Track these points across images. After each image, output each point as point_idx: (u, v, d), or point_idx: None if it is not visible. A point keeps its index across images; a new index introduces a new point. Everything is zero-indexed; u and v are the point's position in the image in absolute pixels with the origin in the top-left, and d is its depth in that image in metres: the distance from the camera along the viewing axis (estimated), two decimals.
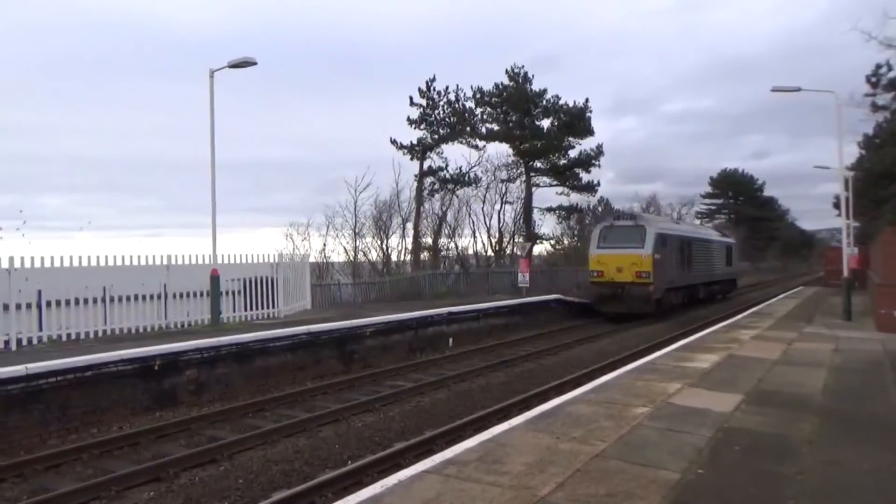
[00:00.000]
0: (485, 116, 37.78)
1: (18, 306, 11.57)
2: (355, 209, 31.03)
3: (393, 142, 34.78)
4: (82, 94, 78.75)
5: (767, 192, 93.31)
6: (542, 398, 10.30)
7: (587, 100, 37.83)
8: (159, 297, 14.25)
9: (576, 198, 41.17)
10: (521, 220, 38.24)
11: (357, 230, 31.19)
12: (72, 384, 9.40)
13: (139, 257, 14.06)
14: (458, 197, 35.69)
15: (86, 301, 12.71)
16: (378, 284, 25.42)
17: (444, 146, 35.76)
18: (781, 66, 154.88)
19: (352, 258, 30.67)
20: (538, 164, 38.52)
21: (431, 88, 35.35)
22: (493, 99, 37.37)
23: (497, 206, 37.50)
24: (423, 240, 34.57)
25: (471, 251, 36.90)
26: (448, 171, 35.52)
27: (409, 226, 33.54)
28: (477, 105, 37.20)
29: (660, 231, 24.94)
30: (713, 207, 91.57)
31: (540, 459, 5.58)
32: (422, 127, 35.33)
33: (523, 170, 38.14)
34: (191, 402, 10.93)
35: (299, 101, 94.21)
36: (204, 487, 7.08)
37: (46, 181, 70.50)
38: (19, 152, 69.39)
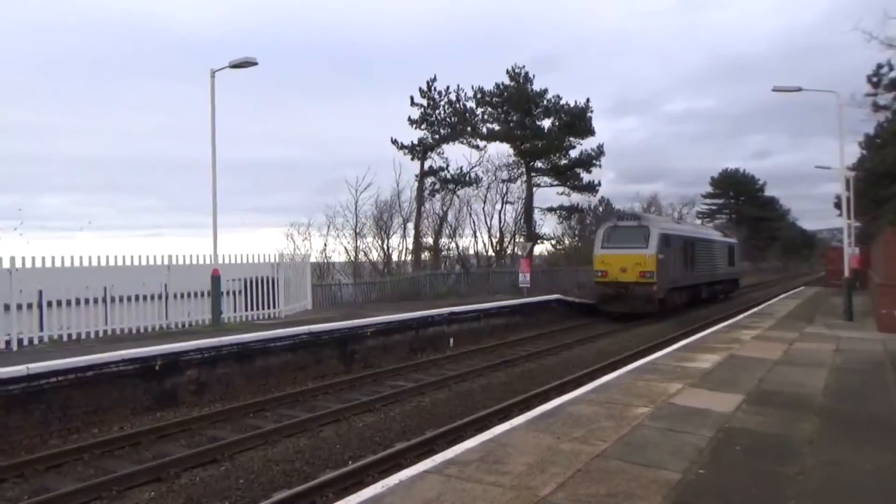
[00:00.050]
0: (485, 116, 37.77)
1: (19, 306, 11.57)
2: (356, 209, 31.06)
3: (394, 142, 34.79)
4: (82, 94, 78.89)
5: (768, 192, 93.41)
6: (542, 398, 10.30)
7: (588, 100, 37.80)
8: (160, 297, 14.26)
9: (576, 198, 41.18)
10: (522, 220, 38.23)
11: (358, 230, 31.22)
12: (73, 384, 9.41)
13: (140, 257, 14.09)
14: (458, 197, 35.71)
15: (87, 301, 12.72)
16: (379, 284, 25.42)
17: (444, 146, 35.76)
18: (782, 66, 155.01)
19: (352, 258, 30.67)
20: (539, 164, 38.49)
21: (432, 88, 35.34)
22: (494, 99, 37.35)
23: (498, 206, 37.53)
24: (424, 240, 34.57)
25: (471, 251, 36.92)
26: (449, 171, 35.52)
27: (410, 226, 33.56)
28: (478, 105, 37.20)
29: (663, 231, 25.15)
30: (714, 207, 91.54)
31: (541, 459, 5.58)
32: (422, 127, 35.32)
33: (524, 170, 38.12)
34: (192, 402, 10.94)
35: (299, 101, 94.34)
36: (205, 487, 7.08)
37: (46, 181, 70.66)
38: (19, 152, 69.57)
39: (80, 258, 12.83)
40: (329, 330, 13.99)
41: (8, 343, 11.33)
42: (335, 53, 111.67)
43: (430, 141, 35.29)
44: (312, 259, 25.19)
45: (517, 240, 37.17)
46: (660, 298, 23.94)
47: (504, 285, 29.07)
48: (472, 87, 37.63)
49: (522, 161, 37.80)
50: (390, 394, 11.51)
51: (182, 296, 14.61)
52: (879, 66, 26.11)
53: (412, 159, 35.42)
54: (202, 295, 14.90)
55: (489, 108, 37.71)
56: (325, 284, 23.15)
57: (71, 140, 73.08)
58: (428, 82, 35.29)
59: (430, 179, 35.44)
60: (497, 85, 37.35)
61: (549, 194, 41.06)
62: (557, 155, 38.20)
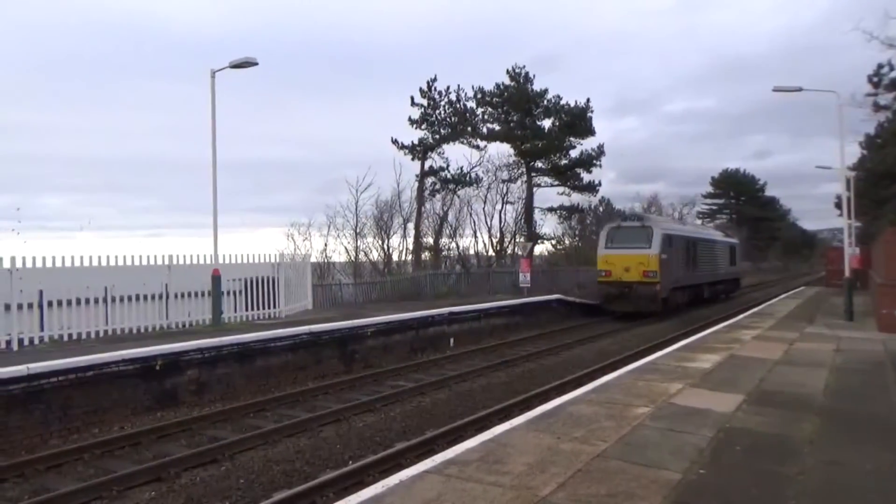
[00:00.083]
0: (486, 116, 37.76)
1: (20, 306, 11.57)
2: (356, 209, 31.04)
3: (394, 142, 34.79)
4: (82, 94, 78.86)
5: (769, 192, 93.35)
6: (543, 398, 10.31)
7: (588, 100, 37.77)
8: (161, 297, 14.26)
9: (577, 198, 41.16)
10: (522, 220, 38.22)
11: (358, 230, 31.21)
12: (73, 384, 9.41)
13: (140, 257, 14.09)
14: (459, 197, 35.70)
15: (87, 301, 12.72)
16: (379, 284, 25.41)
17: (445, 146, 35.74)
18: (782, 66, 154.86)
19: (353, 258, 30.66)
20: (539, 164, 38.48)
21: (432, 88, 35.33)
22: (494, 99, 37.35)
23: (498, 206, 37.53)
24: (425, 240, 34.56)
25: (472, 251, 36.92)
26: (449, 172, 35.51)
27: (411, 226, 33.54)
28: (478, 105, 37.19)
29: (666, 232, 25.45)
30: (714, 207, 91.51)
31: (541, 459, 5.58)
32: (423, 127, 35.30)
33: (524, 170, 38.11)
34: (192, 402, 10.94)
35: (299, 101, 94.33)
36: (205, 487, 7.09)
37: (47, 181, 70.68)
38: (19, 152, 69.58)
39: (81, 258, 12.85)
40: (329, 330, 13.99)
41: (8, 343, 11.33)
42: (335, 53, 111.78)
43: (431, 141, 35.28)
44: (313, 259, 25.21)
45: (517, 240, 37.17)
46: (663, 298, 24.23)
47: (504, 285, 29.07)
48: (473, 87, 37.72)
49: (523, 161, 37.80)
50: (390, 394, 11.51)
51: (182, 296, 14.61)
52: (880, 66, 26.12)
53: (412, 159, 35.44)
54: (203, 295, 14.90)
55: (489, 109, 37.71)
56: (325, 284, 23.14)
57: (71, 140, 73.19)
58: (428, 82, 35.30)
59: (430, 179, 35.44)
60: (497, 85, 37.38)
61: (550, 194, 41.12)
62: (558, 155, 38.19)
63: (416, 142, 35.12)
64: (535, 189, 38.82)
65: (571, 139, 38.03)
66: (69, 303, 12.39)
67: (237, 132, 76.00)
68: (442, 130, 35.55)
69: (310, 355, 13.40)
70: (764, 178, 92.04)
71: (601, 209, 46.58)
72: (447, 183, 35.51)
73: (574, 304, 25.58)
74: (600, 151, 38.29)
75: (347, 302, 22.48)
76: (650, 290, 23.89)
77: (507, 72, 37.42)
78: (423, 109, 35.17)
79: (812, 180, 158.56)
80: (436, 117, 35.43)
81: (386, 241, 32.22)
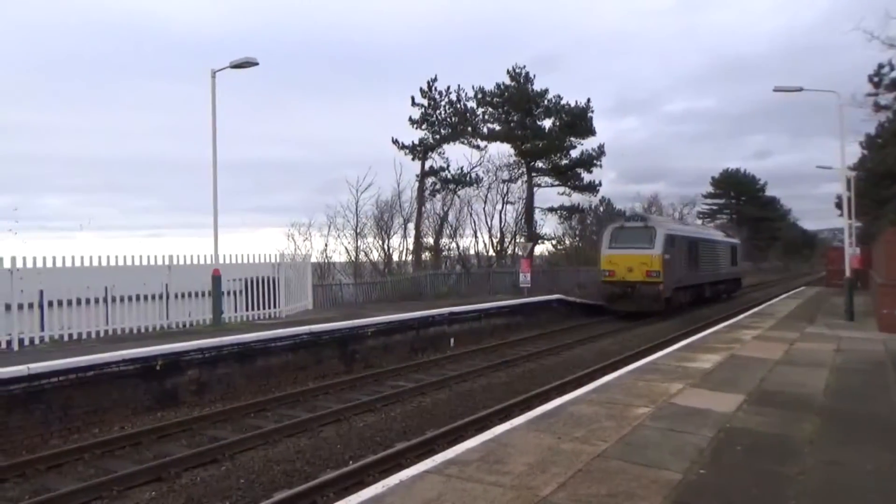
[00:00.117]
0: (486, 116, 37.76)
1: (20, 306, 11.58)
2: (357, 209, 31.04)
3: (394, 142, 34.79)
4: (82, 94, 78.85)
5: (769, 193, 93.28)
6: (543, 398, 10.31)
7: (588, 100, 37.78)
8: (161, 297, 14.27)
9: (577, 198, 41.17)
10: (523, 220, 38.22)
11: (359, 230, 31.21)
12: (73, 384, 9.41)
13: (141, 257, 14.09)
14: (459, 197, 35.71)
15: (87, 301, 12.73)
16: (379, 284, 25.42)
17: (445, 146, 35.74)
18: (782, 66, 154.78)
19: (353, 258, 30.67)
20: (540, 164, 38.48)
21: (433, 88, 35.33)
22: (495, 99, 37.35)
23: (498, 207, 37.54)
24: (425, 240, 34.56)
25: (472, 251, 36.93)
26: (449, 172, 35.51)
27: (411, 226, 33.55)
28: (478, 105, 37.19)
29: (669, 232, 25.67)
30: (715, 207, 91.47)
31: (541, 459, 5.58)
32: (423, 127, 35.31)
33: (525, 170, 38.10)
34: (192, 402, 10.94)
35: (299, 101, 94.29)
36: (205, 487, 7.09)
37: (47, 181, 70.71)
38: (19, 152, 69.61)
39: (81, 258, 12.86)
40: (330, 330, 13.99)
41: (9, 343, 11.34)
42: (335, 53, 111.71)
43: (431, 141, 35.28)
44: (313, 259, 25.23)
45: (518, 240, 37.17)
46: (666, 297, 24.45)
47: (505, 285, 29.08)
48: (473, 88, 37.73)
49: (523, 161, 37.80)
50: (391, 394, 11.51)
51: (183, 296, 14.62)
52: (881, 66, 26.10)
53: (413, 159, 35.44)
54: (203, 295, 14.91)
55: (490, 109, 37.71)
56: (325, 284, 23.15)
57: (71, 140, 73.19)
58: (429, 82, 35.31)
59: (430, 179, 35.45)
60: (498, 85, 37.39)
61: (550, 194, 41.12)
62: (558, 155, 38.20)
63: (416, 142, 35.14)
64: (535, 189, 38.83)
65: (572, 139, 38.03)
66: (69, 303, 12.40)
67: (237, 132, 76.08)
68: (442, 130, 35.55)
69: (310, 355, 13.40)
70: (764, 178, 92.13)
71: (601, 209, 46.63)
72: (447, 183, 35.52)
73: (574, 304, 25.61)
74: (601, 151, 38.30)
75: (348, 302, 22.49)
76: (653, 289, 24.13)
77: (508, 72, 37.46)
78: (423, 109, 35.18)
79: (812, 180, 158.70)
80: (436, 117, 35.44)
81: (386, 242, 32.26)
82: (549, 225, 42.32)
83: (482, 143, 36.87)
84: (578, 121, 37.44)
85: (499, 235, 37.77)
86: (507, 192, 37.61)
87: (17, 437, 8.63)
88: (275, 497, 6.53)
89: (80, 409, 9.46)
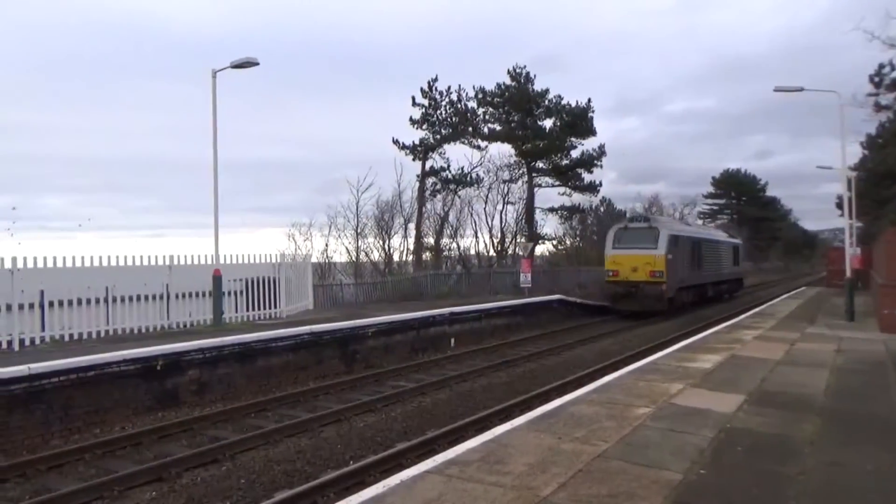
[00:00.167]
0: (487, 117, 37.76)
1: (21, 306, 11.58)
2: (357, 209, 31.03)
3: (395, 142, 34.80)
4: (82, 94, 78.79)
5: (770, 193, 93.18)
6: (544, 398, 10.31)
7: (589, 100, 37.78)
8: (162, 297, 14.27)
9: (578, 198, 41.17)
10: (523, 221, 38.20)
11: (359, 230, 31.20)
12: (74, 384, 9.42)
13: (141, 257, 14.09)
14: (460, 197, 35.69)
15: (88, 301, 12.73)
16: (380, 284, 25.42)
17: (446, 146, 35.74)
18: (782, 66, 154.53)
19: (354, 258, 30.65)
20: (540, 164, 38.48)
21: (433, 89, 35.33)
22: (496, 99, 37.35)
23: (499, 207, 37.51)
24: (426, 240, 34.54)
25: (473, 251, 36.90)
26: (450, 172, 35.51)
27: (412, 226, 33.52)
28: (479, 105, 37.19)
29: (672, 233, 25.99)
30: (715, 208, 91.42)
31: (542, 460, 5.58)
32: (424, 127, 35.31)
33: (525, 170, 38.10)
34: (193, 402, 10.95)
35: (299, 101, 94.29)
36: (206, 487, 7.09)
37: (47, 181, 70.71)
38: (19, 152, 69.60)
39: (82, 258, 12.86)
40: (330, 330, 14.00)
41: (10, 343, 11.34)
42: (335, 53, 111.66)
43: (432, 141, 35.29)
44: (314, 259, 25.24)
45: (518, 240, 37.16)
46: (669, 297, 24.71)
47: (505, 285, 29.08)
48: (474, 88, 37.73)
49: (524, 161, 37.79)
50: (391, 394, 11.52)
51: (183, 296, 14.62)
52: (881, 66, 26.09)
53: (413, 159, 35.44)
54: (204, 295, 14.91)
55: (490, 109, 37.71)
56: (326, 284, 23.16)
57: (71, 140, 73.17)
58: (429, 82, 35.31)
59: (431, 180, 35.45)
60: (498, 85, 37.40)
61: (551, 194, 41.12)
62: (559, 155, 38.20)
63: (417, 142, 35.15)
64: (535, 189, 38.83)
65: (572, 139, 38.04)
66: (70, 303, 12.40)
67: (238, 132, 76.14)
68: (443, 130, 35.56)
69: (311, 355, 13.41)
70: (765, 179, 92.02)
71: (602, 209, 46.63)
72: (448, 183, 35.52)
73: (575, 304, 25.65)
74: (601, 151, 38.30)
75: (348, 302, 22.49)
76: (657, 289, 24.40)
77: (508, 72, 37.46)
78: (424, 109, 35.19)
79: (813, 180, 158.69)
80: (437, 117, 35.44)
81: (387, 242, 32.24)
82: (549, 225, 42.37)
83: (483, 144, 36.90)
84: (579, 121, 37.44)
85: (499, 235, 37.78)
86: (508, 193, 37.65)
87: (18, 437, 8.63)
88: (275, 497, 6.54)
89: (81, 409, 9.47)
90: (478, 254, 37.20)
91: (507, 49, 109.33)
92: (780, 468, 5.49)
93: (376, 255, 32.05)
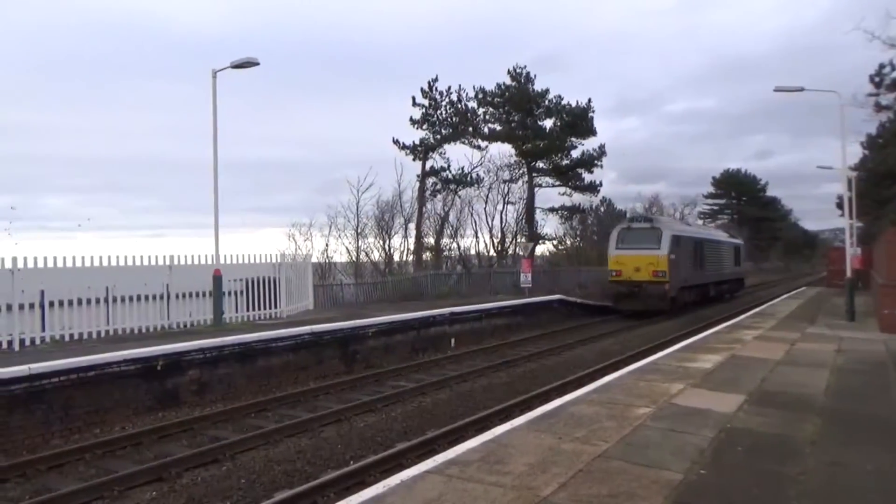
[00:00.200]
0: (487, 117, 37.77)
1: (21, 306, 11.59)
2: (357, 209, 31.02)
3: (395, 142, 34.80)
4: (82, 94, 78.83)
5: (770, 193, 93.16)
6: (544, 398, 10.31)
7: (589, 100, 37.80)
8: (162, 297, 14.27)
9: (578, 198, 41.19)
10: (524, 221, 38.20)
11: (359, 230, 31.19)
12: (74, 384, 9.42)
13: (142, 257, 14.09)
14: (460, 197, 35.69)
15: (88, 301, 12.73)
16: (380, 284, 25.42)
17: (446, 146, 35.74)
18: (783, 66, 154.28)
19: (354, 258, 30.65)
20: (540, 164, 38.48)
21: (434, 89, 35.33)
22: (496, 99, 37.35)
23: (499, 207, 37.51)
24: (426, 240, 34.54)
25: (473, 251, 36.90)
26: (450, 172, 35.51)
27: (412, 226, 33.52)
28: (479, 105, 37.20)
29: (675, 233, 26.26)
30: (716, 208, 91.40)
31: (542, 460, 5.58)
32: (424, 127, 35.32)
33: (525, 170, 38.10)
34: (193, 402, 10.95)
35: (299, 101, 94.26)
36: (206, 487, 7.09)
37: (47, 181, 70.77)
38: (19, 152, 69.64)
39: (83, 258, 12.86)
40: (331, 330, 14.00)
41: (10, 343, 11.35)
42: (335, 53, 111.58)
43: (432, 141, 35.29)
44: (314, 259, 25.24)
45: (519, 240, 37.16)
46: (671, 297, 24.94)
47: (505, 285, 29.08)
48: (474, 88, 37.73)
49: (524, 161, 37.80)
50: (392, 394, 11.52)
51: (184, 296, 14.62)
52: (882, 66, 26.09)
53: (414, 159, 35.45)
54: (204, 295, 14.91)
55: (490, 109, 37.71)
56: (326, 284, 23.15)
57: (71, 140, 73.22)
58: (429, 82, 35.32)
59: (431, 180, 35.45)
60: (498, 85, 37.41)
61: (551, 194, 41.14)
62: (559, 155, 38.21)
63: (417, 142, 35.15)
64: (536, 189, 38.83)
65: (572, 139, 38.05)
66: (70, 303, 12.41)
67: (238, 132, 76.16)
68: (443, 130, 35.56)
69: (311, 355, 13.41)
70: (765, 179, 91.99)
71: (602, 209, 46.65)
72: (448, 183, 35.52)
73: (575, 304, 25.67)
74: (601, 152, 38.31)
75: (349, 302, 22.49)
76: (660, 289, 24.61)
77: (508, 72, 37.47)
78: (424, 109, 35.20)
79: (813, 180, 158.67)
80: (437, 117, 35.45)
81: (387, 242, 32.23)
82: (549, 225, 42.38)
83: (483, 144, 36.91)
84: (579, 121, 37.45)
85: (499, 235, 37.78)
86: (508, 193, 37.65)
87: (19, 437, 8.63)
88: (276, 497, 6.54)
89: (81, 409, 9.47)
90: (478, 254, 37.21)
91: (507, 49, 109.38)
92: (780, 468, 5.49)
93: (376, 255, 32.07)
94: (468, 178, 35.65)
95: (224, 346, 11.69)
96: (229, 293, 15.70)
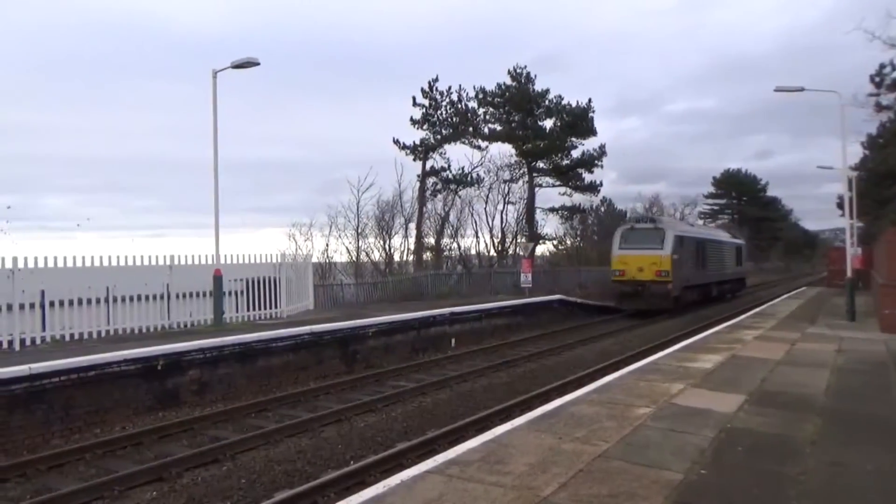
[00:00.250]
0: (487, 117, 37.80)
1: (22, 306, 11.59)
2: (358, 209, 31.03)
3: (396, 142, 34.83)
4: (82, 94, 78.81)
5: (770, 193, 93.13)
6: (544, 398, 10.30)
7: (590, 100, 37.83)
8: (162, 297, 14.28)
9: (578, 198, 41.21)
10: (524, 221, 38.21)
11: (360, 230, 31.22)
12: (75, 384, 9.42)
13: (142, 257, 14.11)
14: (460, 197, 35.71)
15: (89, 301, 12.74)
16: (381, 284, 25.43)
17: (446, 146, 35.77)
18: (783, 66, 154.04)
19: (354, 258, 30.66)
20: (541, 164, 38.50)
21: (434, 89, 35.35)
22: (496, 99, 37.38)
23: (500, 207, 37.53)
24: (426, 240, 34.55)
25: (473, 251, 36.92)
26: (451, 172, 35.54)
27: (412, 226, 33.54)
28: (479, 105, 37.22)
29: (678, 233, 26.53)
30: (716, 208, 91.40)
31: (542, 460, 5.58)
32: (424, 127, 35.34)
33: (526, 170, 38.11)
34: (193, 402, 10.95)
35: (299, 101, 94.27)
36: (206, 487, 7.09)
37: (48, 182, 70.80)
38: (19, 152, 69.65)
39: (83, 258, 12.87)
40: (331, 330, 14.00)
41: (10, 343, 11.35)
42: (335, 53, 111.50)
43: (432, 141, 35.30)
44: (314, 259, 25.25)
45: (519, 240, 37.16)
46: (675, 296, 25.22)
47: (506, 285, 29.08)
48: (474, 88, 37.77)
49: (524, 161, 37.81)
50: (392, 394, 11.52)
51: (184, 296, 14.63)
52: (882, 66, 26.10)
53: (414, 160, 35.47)
54: (204, 295, 14.92)
55: (491, 109, 37.74)
56: (326, 284, 23.15)
57: (71, 140, 73.24)
58: (430, 82, 35.34)
59: (431, 180, 35.47)
60: (499, 85, 37.44)
61: (551, 194, 41.16)
62: (559, 155, 38.23)
63: (417, 142, 35.18)
64: (536, 189, 38.84)
65: (573, 139, 38.07)
66: (71, 303, 12.41)
67: (238, 132, 76.10)
68: (443, 130, 35.58)
69: (311, 355, 13.41)
70: (765, 179, 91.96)
71: (603, 209, 46.66)
72: (449, 183, 35.54)
73: (575, 304, 25.71)
74: (602, 152, 38.33)
75: (349, 302, 22.49)
76: (663, 288, 24.87)
77: (509, 72, 37.50)
78: (424, 109, 35.22)
79: (814, 180, 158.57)
80: (437, 117, 35.47)
81: (387, 242, 32.25)
82: (550, 225, 42.39)
83: (483, 144, 36.93)
84: (579, 121, 37.47)
85: (500, 236, 37.79)
86: (509, 193, 37.67)
87: (19, 437, 8.63)
88: (276, 497, 6.53)
89: (82, 409, 9.47)
90: (478, 254, 37.22)
91: (508, 49, 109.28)
92: (780, 468, 5.49)
93: (377, 255, 32.08)
94: (468, 178, 35.67)
95: (224, 346, 11.69)
96: (230, 293, 15.70)
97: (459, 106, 36.07)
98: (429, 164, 35.42)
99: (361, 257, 31.09)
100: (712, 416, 7.24)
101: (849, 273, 19.46)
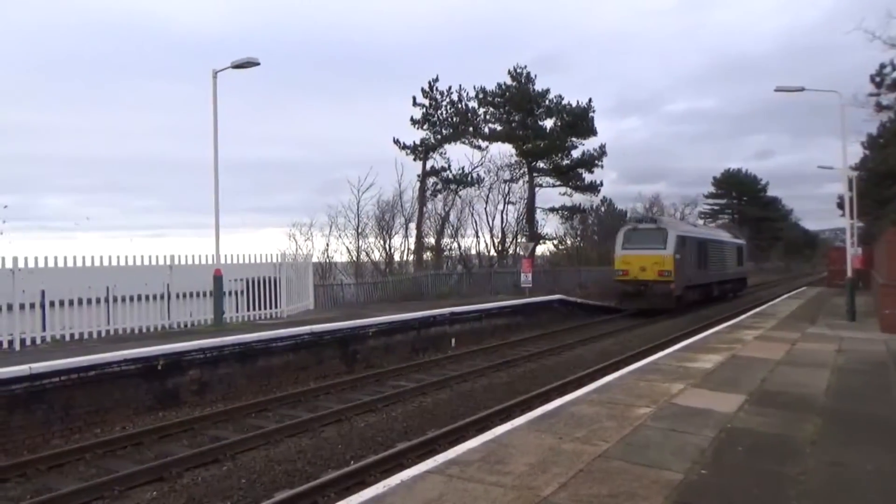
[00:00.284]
0: (487, 117, 37.82)
1: (22, 306, 11.60)
2: (358, 209, 31.06)
3: (396, 142, 34.84)
4: (82, 94, 78.84)
5: (771, 193, 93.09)
6: (544, 398, 10.30)
7: (590, 100, 37.86)
8: (162, 297, 14.28)
9: (579, 198, 41.24)
10: (524, 221, 38.22)
11: (360, 230, 31.23)
12: (75, 384, 9.42)
13: (142, 257, 14.12)
14: (460, 197, 35.73)
15: (89, 301, 12.74)
16: (381, 284, 25.44)
17: (446, 146, 35.80)
18: (783, 66, 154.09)
19: (354, 258, 30.68)
20: (541, 164, 38.52)
21: (434, 89, 35.37)
22: (496, 99, 37.39)
23: (500, 207, 37.56)
24: (426, 240, 34.57)
25: (473, 251, 36.94)
26: (451, 172, 35.56)
27: (412, 226, 33.56)
28: (480, 105, 37.25)
29: (680, 233, 26.71)
30: (716, 208, 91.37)
31: (542, 460, 5.58)
32: (425, 127, 35.36)
33: (526, 170, 38.13)
34: (194, 402, 10.95)
35: (299, 101, 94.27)
36: (207, 487, 7.09)
37: (48, 182, 70.79)
38: (19, 152, 69.61)
39: (83, 258, 12.88)
40: (331, 330, 14.00)
41: (11, 343, 11.35)
42: (335, 53, 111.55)
43: (433, 141, 35.32)
44: (314, 259, 25.26)
45: (519, 240, 37.17)
46: (677, 296, 25.36)
47: (506, 285, 29.08)
48: (474, 88, 37.82)
49: (524, 161, 37.82)
50: (392, 394, 11.51)
51: (184, 296, 14.63)
52: (882, 66, 26.13)
53: (414, 159, 35.49)
54: (204, 295, 14.92)
55: (491, 109, 37.76)
56: (327, 284, 23.16)
57: (71, 140, 73.26)
58: (430, 82, 35.36)
59: (432, 179, 35.48)
60: (499, 85, 37.46)
61: (552, 194, 41.18)
62: (559, 155, 38.25)
63: (417, 142, 35.19)
64: (536, 189, 38.86)
65: (573, 139, 38.09)
66: (71, 303, 12.42)
67: (238, 132, 76.06)
68: (444, 130, 35.59)
69: (311, 355, 13.41)
70: (766, 179, 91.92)
71: (603, 209, 46.66)
72: (449, 183, 35.55)
73: (576, 304, 25.74)
74: (602, 152, 38.34)
75: (349, 302, 22.50)
76: (665, 288, 25.05)
77: (509, 72, 37.52)
78: (424, 109, 35.23)
79: (814, 180, 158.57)
80: (437, 117, 35.48)
81: (388, 242, 32.26)
82: (550, 225, 42.42)
83: (483, 144, 36.95)
84: (579, 121, 37.48)
85: (500, 235, 37.80)
86: (509, 193, 37.69)
87: (19, 437, 8.64)
88: (276, 497, 6.53)
89: (82, 408, 9.47)
90: (478, 254, 37.23)
91: (508, 49, 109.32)
92: (781, 468, 5.49)
93: (377, 255, 32.10)
94: (468, 178, 35.68)
95: (224, 345, 11.69)
96: (230, 293, 15.70)
97: (459, 106, 36.10)
98: (429, 164, 35.45)
99: (361, 257, 31.13)
100: (712, 416, 7.23)
101: (849, 273, 19.46)
